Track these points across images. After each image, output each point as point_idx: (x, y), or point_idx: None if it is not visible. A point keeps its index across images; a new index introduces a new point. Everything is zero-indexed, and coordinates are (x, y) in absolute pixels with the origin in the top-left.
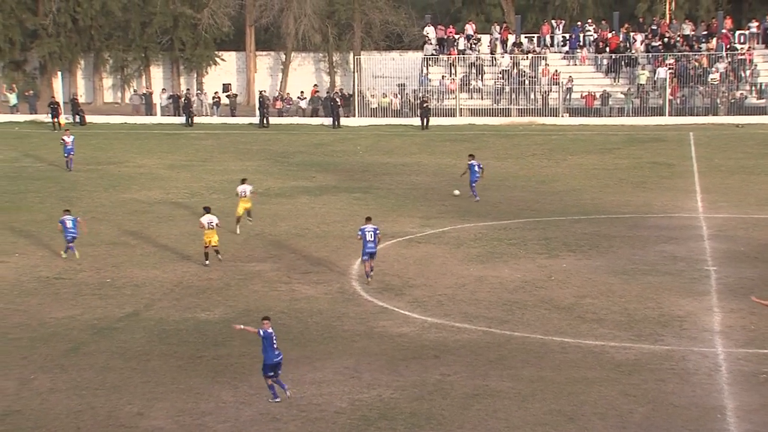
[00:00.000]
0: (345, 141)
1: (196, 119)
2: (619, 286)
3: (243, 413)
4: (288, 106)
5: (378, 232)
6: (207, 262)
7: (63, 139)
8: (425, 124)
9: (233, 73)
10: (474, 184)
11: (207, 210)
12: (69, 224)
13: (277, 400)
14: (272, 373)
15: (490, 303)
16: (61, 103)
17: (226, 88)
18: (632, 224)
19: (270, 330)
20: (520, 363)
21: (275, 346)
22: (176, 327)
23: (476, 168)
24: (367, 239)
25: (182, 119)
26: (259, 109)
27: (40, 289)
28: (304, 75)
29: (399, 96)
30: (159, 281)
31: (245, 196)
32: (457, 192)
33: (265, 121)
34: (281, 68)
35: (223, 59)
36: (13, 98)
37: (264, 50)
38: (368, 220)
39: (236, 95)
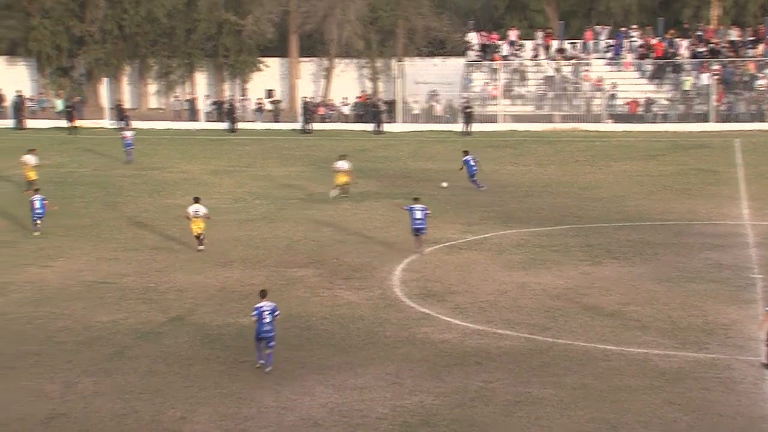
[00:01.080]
0: (387, 147)
1: (240, 125)
2: (664, 294)
3: (285, 418)
4: (331, 111)
5: (428, 211)
6: (200, 247)
7: (124, 134)
8: (468, 130)
9: (277, 79)
10: (474, 178)
11: (196, 200)
12: (37, 204)
13: (261, 362)
14: (261, 343)
15: (532, 310)
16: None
17: (269, 94)
18: (677, 231)
19: (261, 305)
20: (563, 370)
21: (266, 320)
22: (219, 332)
23: (471, 162)
24: (416, 216)
25: (226, 125)
26: (302, 114)
27: (84, 294)
28: (347, 81)
29: (441, 102)
30: (202, 286)
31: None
32: (445, 184)
33: (308, 127)
34: (324, 74)
35: (266, 65)
36: (60, 104)
37: (307, 56)
38: (416, 200)
39: (279, 101)
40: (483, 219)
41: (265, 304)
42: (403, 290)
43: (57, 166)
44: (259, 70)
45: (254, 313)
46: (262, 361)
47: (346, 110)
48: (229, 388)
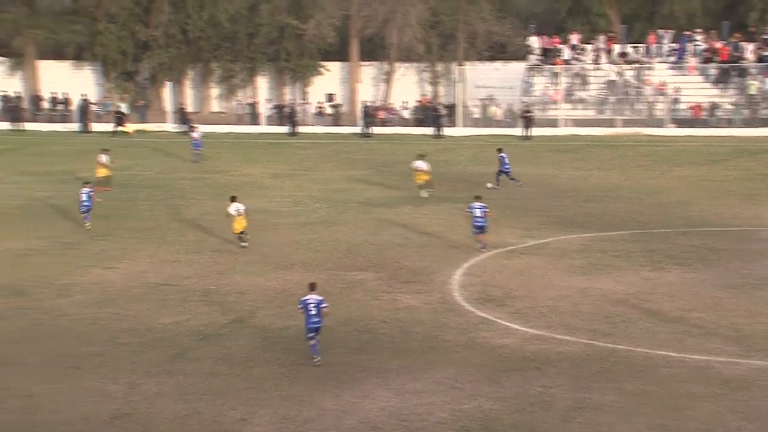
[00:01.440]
0: (447, 151)
1: (300, 129)
2: (728, 301)
3: (344, 422)
4: (391, 115)
5: (487, 209)
6: (244, 244)
7: (192, 135)
8: (528, 134)
9: (337, 83)
10: (508, 174)
11: (233, 199)
12: (84, 197)
13: (316, 360)
14: (311, 335)
15: (592, 315)
16: (171, 112)
17: (330, 97)
18: (741, 237)
19: (307, 297)
20: (624, 377)
21: (312, 312)
22: (279, 334)
23: (506, 160)
24: (477, 215)
25: (286, 129)
26: (362, 118)
27: (147, 295)
28: (407, 85)
29: (501, 106)
30: (262, 289)
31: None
32: (489, 185)
33: (368, 131)
34: (384, 78)
35: (327, 69)
36: (124, 108)
37: (368, 60)
38: (478, 198)
39: (340, 105)
40: (543, 224)
41: (312, 297)
42: (462, 294)
43: (121, 169)
44: (320, 74)
45: (300, 305)
46: (318, 358)
47: (406, 114)
48: (289, 390)
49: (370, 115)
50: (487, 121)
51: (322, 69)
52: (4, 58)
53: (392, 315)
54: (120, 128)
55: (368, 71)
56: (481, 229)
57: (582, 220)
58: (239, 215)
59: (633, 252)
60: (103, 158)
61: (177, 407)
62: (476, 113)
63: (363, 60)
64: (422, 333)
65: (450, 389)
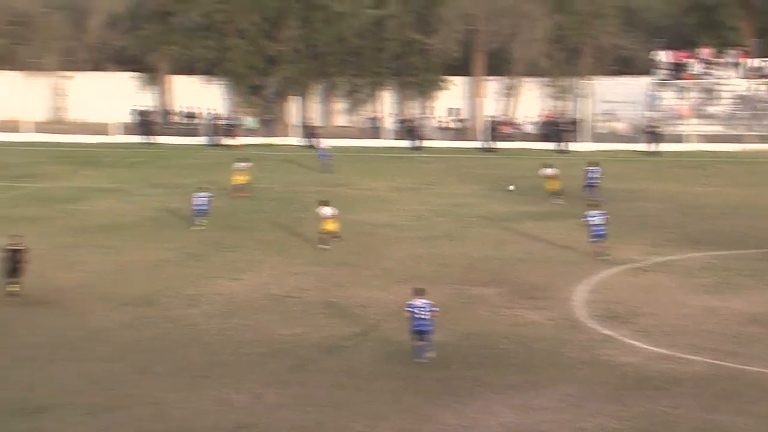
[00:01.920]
0: (571, 166)
1: (424, 143)
2: None
3: None
4: (515, 130)
5: (607, 216)
6: (326, 246)
7: (316, 147)
8: (655, 149)
9: (461, 98)
10: (592, 188)
11: (325, 203)
12: (197, 202)
13: (425, 358)
14: (416, 338)
15: (720, 335)
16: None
17: (453, 112)
18: None
19: (413, 302)
20: (753, 398)
21: (417, 314)
22: (400, 348)
23: (593, 174)
24: (596, 223)
25: (410, 143)
26: (486, 133)
27: (270, 307)
28: (532, 100)
29: (626, 121)
30: (384, 302)
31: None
32: (512, 187)
33: (491, 146)
34: (508, 92)
35: (452, 84)
36: (251, 122)
37: (492, 75)
38: (594, 206)
39: (463, 119)
40: (669, 240)
41: (419, 302)
42: (586, 311)
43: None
44: (444, 88)
45: (407, 309)
46: (425, 357)
47: (530, 129)
48: (409, 404)
49: (494, 130)
50: (612, 136)
51: (446, 83)
52: (138, 74)
53: (514, 330)
54: (229, 141)
55: (492, 86)
56: (601, 237)
57: (709, 237)
58: (328, 218)
59: (762, 271)
60: (241, 166)
61: (298, 418)
62: (601, 128)
63: (487, 74)
64: (544, 349)
65: (571, 407)
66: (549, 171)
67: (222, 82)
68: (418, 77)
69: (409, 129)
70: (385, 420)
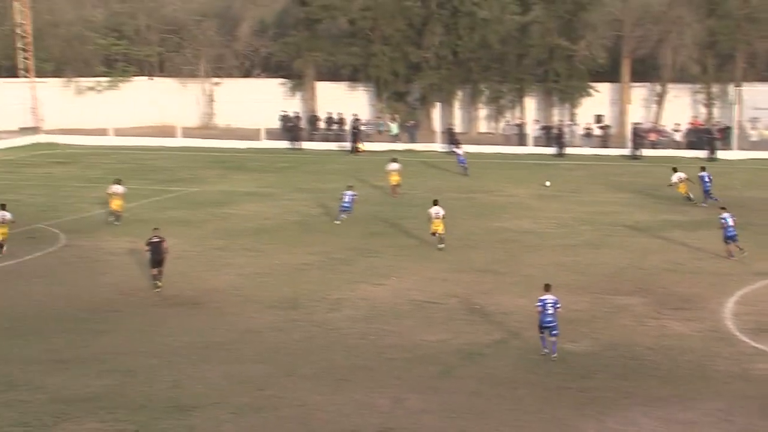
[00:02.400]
0: (721, 175)
1: (568, 150)
2: None
3: None
4: (662, 137)
5: (735, 218)
6: (442, 245)
7: (455, 152)
8: None
9: (606, 104)
10: (708, 193)
11: (435, 202)
12: (346, 198)
13: (545, 351)
14: (545, 332)
15: None
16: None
17: (598, 119)
18: None
19: (545, 297)
20: None
21: (549, 311)
22: (543, 357)
23: (706, 179)
24: (730, 224)
25: (553, 150)
26: (631, 140)
27: (413, 312)
28: (680, 106)
29: None
30: (527, 310)
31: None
32: (548, 183)
33: (637, 153)
34: (656, 99)
35: (596, 90)
36: (394, 127)
37: (639, 81)
38: (724, 209)
39: (609, 126)
40: None
41: (549, 297)
42: (735, 323)
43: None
44: (589, 95)
45: (539, 304)
46: (546, 350)
47: (678, 137)
48: (552, 413)
49: (640, 137)
50: (766, 144)
51: (591, 90)
52: (285, 80)
53: (659, 342)
54: (355, 146)
55: (639, 92)
56: (731, 239)
57: None
58: (436, 218)
59: None
60: (394, 166)
61: (441, 424)
62: (754, 136)
63: (634, 81)
64: (691, 361)
65: (721, 422)
66: (677, 176)
67: (366, 88)
68: (563, 83)
69: (552, 136)
70: (527, 429)
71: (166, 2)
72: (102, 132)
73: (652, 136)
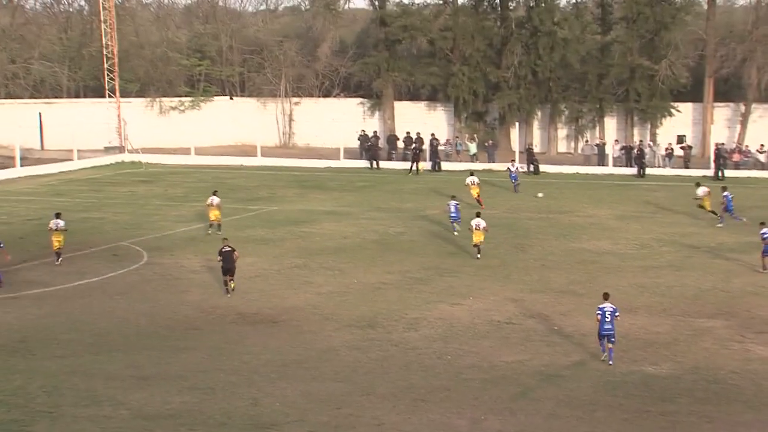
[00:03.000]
0: None
1: (648, 170)
2: None
3: None
4: (746, 158)
5: None
6: (478, 255)
7: (509, 168)
8: None
9: (688, 125)
10: (731, 212)
11: (477, 215)
12: (452, 208)
13: (604, 355)
14: (604, 339)
15: None
16: (518, 152)
17: (680, 139)
18: None
19: (603, 306)
20: None
21: (607, 319)
22: (622, 379)
23: (730, 197)
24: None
25: (634, 170)
26: (714, 161)
27: (491, 333)
28: (764, 127)
29: None
30: None
31: (479, 230)
32: (540, 194)
33: (720, 174)
34: (740, 120)
35: (678, 110)
36: (473, 147)
37: (722, 101)
38: (763, 224)
39: (691, 147)
40: None
41: (607, 305)
42: None
43: (468, 208)
44: (670, 115)
45: (598, 312)
46: (605, 355)
47: (763, 158)
48: None
49: (723, 158)
50: None
51: (672, 110)
52: (364, 99)
53: (743, 366)
54: (415, 165)
55: (722, 112)
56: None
57: None
58: (477, 230)
59: None
60: (473, 179)
61: None
62: None
63: (717, 101)
64: None
65: None
66: (702, 190)
67: (445, 108)
68: (644, 103)
69: (633, 156)
70: None
71: (248, 23)
72: (184, 151)
73: (736, 157)
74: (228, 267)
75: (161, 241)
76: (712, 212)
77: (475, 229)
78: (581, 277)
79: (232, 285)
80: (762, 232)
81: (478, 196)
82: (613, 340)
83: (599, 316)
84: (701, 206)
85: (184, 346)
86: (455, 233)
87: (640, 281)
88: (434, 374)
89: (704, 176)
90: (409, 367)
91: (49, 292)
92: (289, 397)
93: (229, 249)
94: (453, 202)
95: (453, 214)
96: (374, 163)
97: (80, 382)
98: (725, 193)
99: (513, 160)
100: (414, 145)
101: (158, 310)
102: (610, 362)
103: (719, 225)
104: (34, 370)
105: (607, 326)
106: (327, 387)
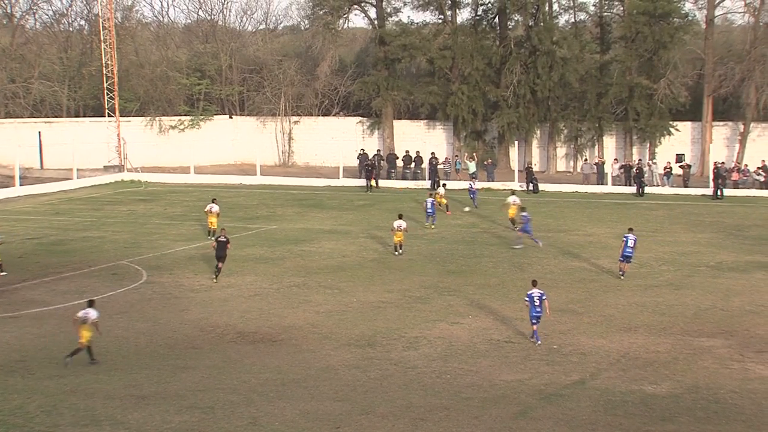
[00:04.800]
0: None
1: (648, 189)
2: None
3: None
4: (744, 177)
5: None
6: (397, 252)
7: (470, 185)
8: None
9: (687, 144)
10: (529, 233)
11: (400, 216)
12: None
13: (534, 341)
14: (534, 322)
15: None
16: (517, 171)
17: (679, 158)
18: None
19: (531, 292)
20: None
21: (536, 304)
22: (622, 399)
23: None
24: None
25: (633, 189)
26: (713, 180)
27: (491, 352)
28: (763, 146)
29: None
30: (605, 351)
31: (401, 230)
32: (467, 209)
33: (719, 193)
34: (738, 139)
35: (677, 129)
36: (472, 166)
37: (721, 120)
38: None
39: (690, 166)
40: None
41: (535, 291)
42: None
43: (468, 226)
44: (669, 134)
45: (526, 299)
46: (539, 342)
47: (761, 177)
48: None
49: (722, 177)
50: None
51: (671, 129)
52: (363, 118)
53: (743, 385)
54: (369, 183)
55: (721, 131)
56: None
57: None
58: (399, 230)
59: None
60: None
61: None
62: None
63: (716, 120)
64: None
65: None
66: (512, 199)
67: (444, 127)
68: (643, 122)
69: (632, 175)
70: None
71: (247, 43)
72: (183, 170)
73: (735, 176)
74: (220, 255)
75: (161, 260)
76: (512, 221)
77: (397, 230)
78: (580, 295)
79: (216, 277)
80: (625, 236)
81: (513, 216)
82: (536, 323)
83: (528, 302)
84: (509, 215)
85: (183, 365)
86: (431, 225)
87: (640, 300)
88: (434, 393)
89: (703, 195)
90: (408, 386)
91: (48, 312)
92: (288, 417)
93: (225, 240)
94: (430, 200)
95: (429, 210)
96: (374, 182)
97: (79, 401)
98: (524, 213)
99: (474, 179)
100: (367, 162)
101: (157, 329)
102: (538, 342)
103: (517, 247)
104: (33, 389)
105: (537, 310)
106: (326, 406)
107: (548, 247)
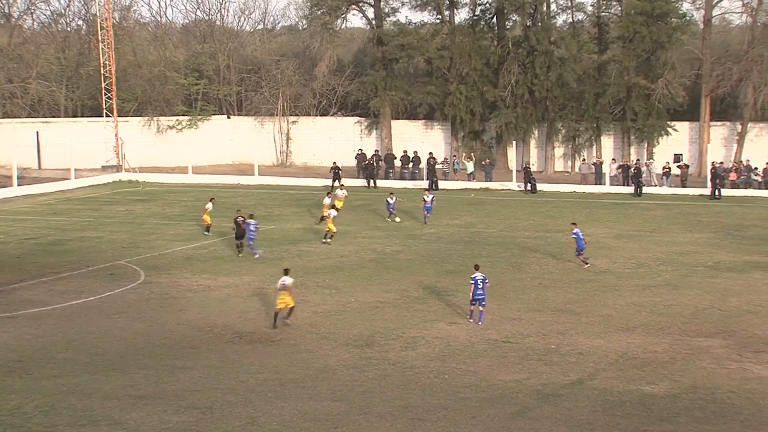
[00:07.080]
0: None
1: (645, 189)
2: None
3: None
4: (742, 177)
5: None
6: (326, 240)
7: (424, 199)
8: None
9: (685, 144)
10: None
11: (333, 206)
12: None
13: (471, 320)
14: (475, 304)
15: None
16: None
17: (677, 158)
18: None
19: (475, 275)
20: None
21: (479, 286)
22: (620, 399)
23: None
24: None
25: (631, 189)
26: (711, 180)
27: (489, 352)
28: (761, 146)
29: None
30: (603, 351)
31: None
32: (398, 219)
33: (717, 193)
34: (736, 139)
35: (675, 129)
36: (470, 166)
37: (719, 120)
38: None
39: (688, 166)
40: None
41: (479, 274)
42: None
43: (466, 226)
44: (667, 134)
45: (471, 281)
46: (471, 320)
47: (759, 177)
48: None
49: (720, 177)
50: None
51: (669, 129)
52: (361, 118)
53: (741, 385)
54: (335, 185)
55: (719, 131)
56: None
57: None
58: (329, 218)
59: None
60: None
61: None
62: None
63: (714, 120)
64: None
65: None
66: (340, 193)
67: (442, 127)
68: (641, 122)
69: (630, 175)
70: None
71: (245, 43)
72: (181, 170)
73: (733, 176)
74: (240, 233)
75: (158, 260)
76: (323, 217)
77: (328, 218)
78: (578, 296)
79: (240, 254)
80: (574, 232)
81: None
82: (483, 304)
83: (472, 284)
84: (333, 207)
85: (181, 365)
86: (395, 219)
87: (638, 300)
88: (432, 393)
89: (701, 195)
90: (406, 386)
91: (46, 312)
92: (286, 417)
93: (242, 219)
94: (390, 199)
95: (389, 207)
96: (371, 182)
97: (77, 401)
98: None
99: (426, 191)
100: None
101: (155, 329)
102: (480, 322)
103: (256, 255)
104: (30, 389)
105: (479, 292)
106: (324, 406)
107: (546, 247)
